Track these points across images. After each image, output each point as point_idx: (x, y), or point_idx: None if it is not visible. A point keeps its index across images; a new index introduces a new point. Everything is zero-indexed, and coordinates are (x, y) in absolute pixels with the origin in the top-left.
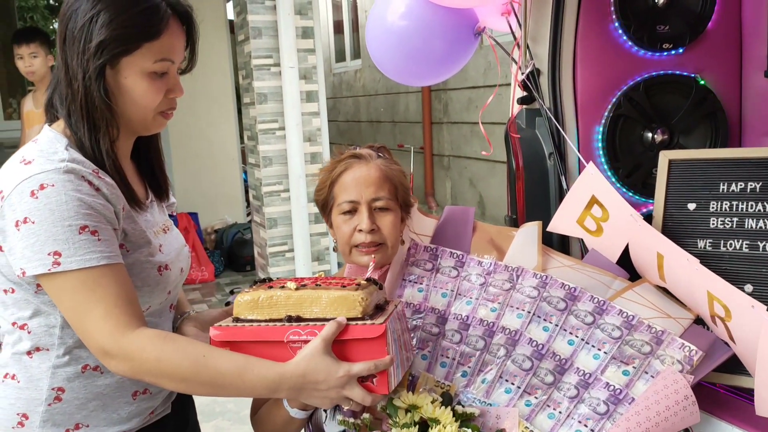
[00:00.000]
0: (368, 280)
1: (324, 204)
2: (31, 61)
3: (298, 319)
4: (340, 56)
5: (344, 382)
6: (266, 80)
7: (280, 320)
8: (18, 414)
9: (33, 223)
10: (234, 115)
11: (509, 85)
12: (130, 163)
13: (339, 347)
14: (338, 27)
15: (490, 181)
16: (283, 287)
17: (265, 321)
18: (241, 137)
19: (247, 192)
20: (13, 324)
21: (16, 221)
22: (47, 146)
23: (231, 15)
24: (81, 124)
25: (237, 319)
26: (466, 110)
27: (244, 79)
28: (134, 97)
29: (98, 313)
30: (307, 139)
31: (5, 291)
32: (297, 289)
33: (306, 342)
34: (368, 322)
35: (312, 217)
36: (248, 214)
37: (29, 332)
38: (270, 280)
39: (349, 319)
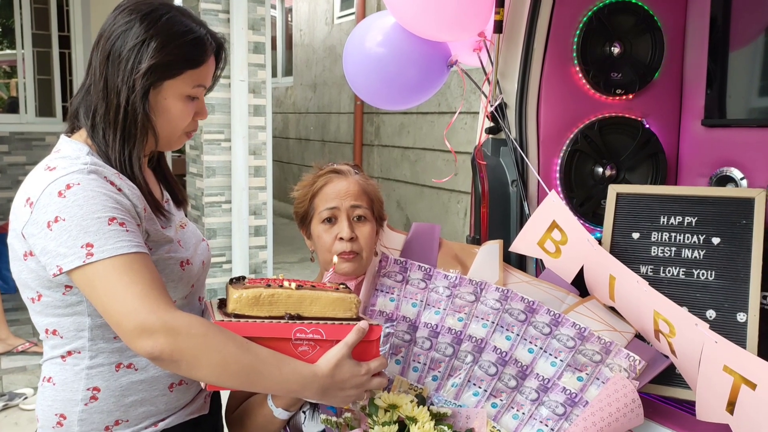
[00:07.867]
0: (341, 285)
1: (304, 216)
2: None
3: (299, 317)
4: (272, 72)
5: (366, 379)
6: (215, 91)
7: (281, 317)
8: (56, 414)
9: (64, 220)
10: None
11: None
12: (149, 172)
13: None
14: (271, 44)
15: (418, 205)
16: (281, 286)
17: (267, 318)
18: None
19: None
20: (46, 331)
21: (48, 222)
22: (70, 153)
23: None
24: (112, 136)
25: (237, 315)
26: (398, 134)
27: None
28: (170, 117)
29: (136, 291)
30: (252, 152)
31: (32, 299)
32: (297, 288)
33: (311, 340)
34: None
35: (252, 229)
36: None
37: (61, 337)
38: (244, 278)
39: (345, 319)
